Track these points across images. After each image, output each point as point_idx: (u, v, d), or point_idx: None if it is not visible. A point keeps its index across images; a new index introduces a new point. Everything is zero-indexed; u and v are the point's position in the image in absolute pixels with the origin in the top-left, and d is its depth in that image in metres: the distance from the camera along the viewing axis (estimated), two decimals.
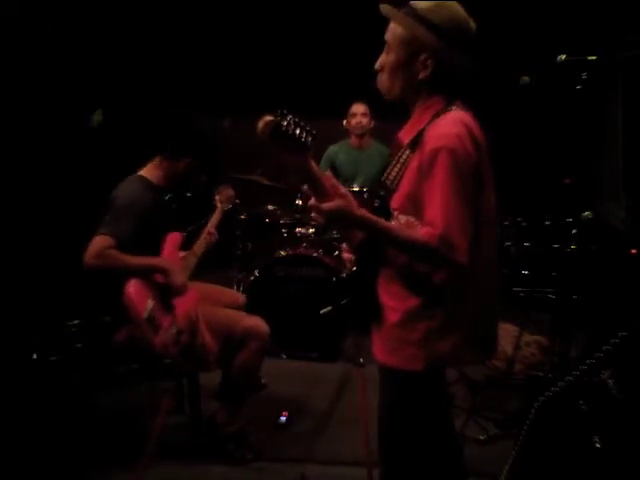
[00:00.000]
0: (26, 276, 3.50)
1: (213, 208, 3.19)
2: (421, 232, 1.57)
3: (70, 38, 3.99)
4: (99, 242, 2.46)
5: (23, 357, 3.30)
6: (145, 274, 2.57)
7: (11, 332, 3.26)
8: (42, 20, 3.82)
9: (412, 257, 1.64)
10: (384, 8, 1.72)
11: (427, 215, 1.57)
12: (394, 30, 1.70)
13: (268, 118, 1.56)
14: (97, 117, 4.04)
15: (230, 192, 3.24)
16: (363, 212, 1.59)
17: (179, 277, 2.63)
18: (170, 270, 2.60)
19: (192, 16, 5.12)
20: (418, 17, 1.66)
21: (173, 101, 4.38)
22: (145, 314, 2.48)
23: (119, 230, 2.49)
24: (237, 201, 4.42)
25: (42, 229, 3.60)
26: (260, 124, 1.57)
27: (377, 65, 1.75)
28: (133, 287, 2.48)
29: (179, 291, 2.62)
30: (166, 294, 2.61)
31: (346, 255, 1.87)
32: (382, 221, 1.62)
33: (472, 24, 1.70)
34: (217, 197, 3.21)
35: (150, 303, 2.52)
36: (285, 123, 1.52)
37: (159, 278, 2.60)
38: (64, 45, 3.94)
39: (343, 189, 1.64)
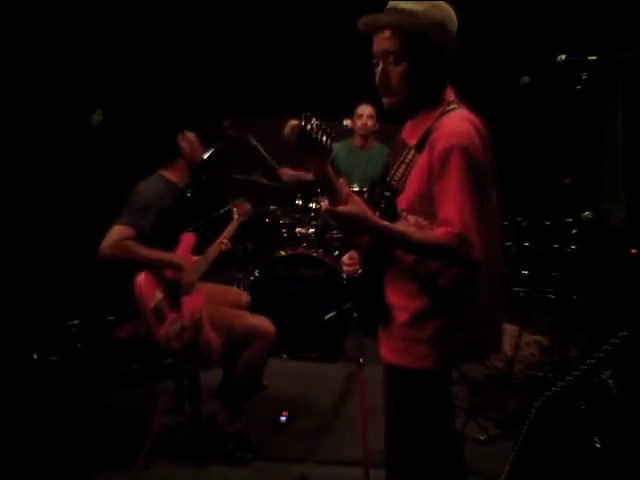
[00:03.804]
0: (26, 276, 3.49)
1: (230, 219, 3.22)
2: (437, 232, 1.56)
3: (70, 38, 3.99)
4: (119, 231, 2.47)
5: (23, 357, 3.30)
6: (157, 268, 2.60)
7: (11, 332, 3.26)
8: (42, 20, 3.82)
9: (427, 258, 1.64)
10: (367, 20, 1.66)
11: (442, 214, 1.57)
12: (390, 38, 1.63)
13: (294, 122, 1.56)
14: (97, 117, 4.04)
15: (248, 206, 3.28)
16: (376, 218, 1.58)
17: (190, 275, 2.69)
18: (182, 267, 2.66)
19: (192, 16, 5.12)
20: (404, 12, 1.63)
21: (173, 101, 4.38)
22: (152, 304, 2.51)
23: (141, 223, 2.51)
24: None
25: (42, 229, 3.60)
26: (286, 129, 1.58)
27: (380, 79, 1.68)
28: (143, 277, 2.51)
29: (187, 289, 2.67)
30: (174, 290, 2.64)
31: (347, 269, 1.85)
32: (395, 226, 1.62)
33: (447, 5, 1.67)
34: (235, 209, 3.24)
35: (158, 295, 2.55)
36: (310, 127, 1.53)
37: (170, 274, 2.64)
38: (64, 45, 3.94)
39: (356, 196, 1.64)
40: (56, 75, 3.86)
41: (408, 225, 1.69)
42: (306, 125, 1.53)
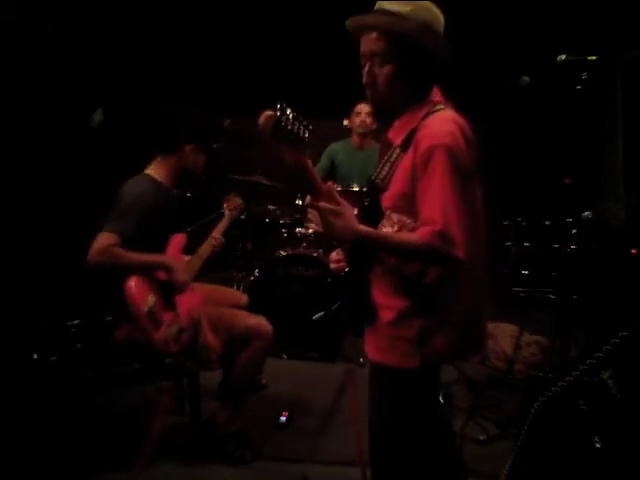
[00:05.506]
0: (26, 276, 3.50)
1: (221, 215, 3.19)
2: (419, 232, 1.57)
3: (70, 38, 3.99)
4: (104, 239, 2.46)
5: (23, 357, 3.30)
6: (148, 271, 2.57)
7: (11, 332, 3.26)
8: (42, 20, 3.82)
9: (410, 260, 1.65)
10: (354, 21, 1.68)
11: (424, 213, 1.58)
12: (376, 40, 1.65)
13: (269, 113, 1.57)
14: (97, 117, 4.04)
15: (238, 201, 3.25)
16: (359, 225, 1.60)
17: (182, 275, 2.64)
18: (173, 267, 2.62)
19: (192, 15, 5.12)
20: (391, 14, 1.64)
21: (174, 100, 4.38)
22: (145, 308, 2.49)
23: (124, 227, 2.49)
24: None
25: (42, 229, 3.60)
26: (261, 119, 1.58)
27: (366, 79, 1.71)
28: (134, 281, 2.49)
29: (181, 289, 2.63)
30: (168, 291, 2.62)
31: (334, 266, 1.87)
32: (377, 231, 1.65)
33: (433, 6, 1.68)
34: (225, 205, 3.22)
35: (151, 299, 2.53)
36: (285, 118, 1.53)
37: (162, 275, 2.62)
38: (64, 45, 3.94)
39: (345, 203, 1.64)
40: (56, 75, 3.86)
41: (392, 223, 1.70)
42: (281, 116, 1.53)
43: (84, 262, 2.46)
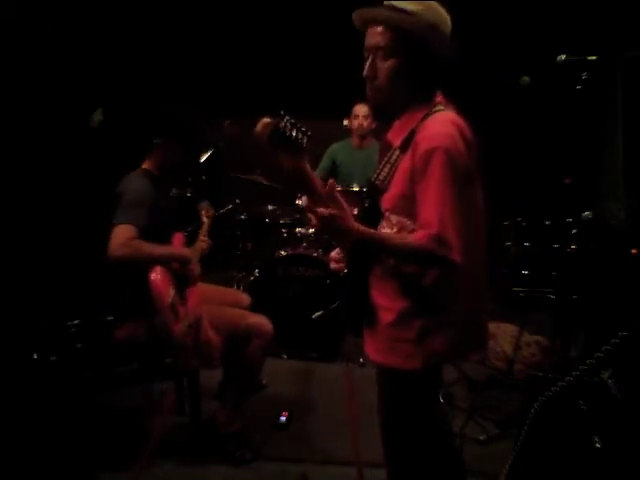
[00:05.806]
0: (26, 276, 3.49)
1: (200, 222, 3.28)
2: (416, 235, 1.57)
3: (70, 38, 3.99)
4: (123, 232, 2.47)
5: (23, 357, 3.30)
6: (167, 263, 2.63)
7: (11, 332, 3.26)
8: (41, 20, 3.82)
9: (408, 261, 1.65)
10: (362, 12, 1.68)
11: (422, 216, 1.58)
12: (382, 33, 1.65)
13: (266, 120, 1.57)
14: (97, 117, 4.04)
15: (211, 210, 3.36)
16: (357, 226, 1.59)
17: (196, 267, 2.76)
18: (190, 259, 2.72)
19: (192, 16, 5.12)
20: (400, 10, 1.65)
21: (174, 101, 4.38)
22: (169, 300, 2.53)
23: (138, 219, 2.51)
24: (237, 201, 4.46)
25: (42, 229, 3.60)
26: (259, 126, 1.58)
27: (367, 72, 1.70)
28: (158, 274, 2.52)
29: (195, 281, 2.73)
30: (182, 284, 2.67)
31: (334, 265, 1.87)
32: (375, 232, 1.64)
33: (441, 7, 1.69)
34: (203, 212, 3.32)
35: (172, 291, 2.58)
36: (283, 125, 1.54)
37: (178, 267, 2.68)
38: (64, 45, 3.94)
39: (344, 203, 1.64)
40: (56, 75, 3.86)
41: (391, 225, 1.70)
42: (279, 122, 1.53)
43: (105, 257, 2.46)
